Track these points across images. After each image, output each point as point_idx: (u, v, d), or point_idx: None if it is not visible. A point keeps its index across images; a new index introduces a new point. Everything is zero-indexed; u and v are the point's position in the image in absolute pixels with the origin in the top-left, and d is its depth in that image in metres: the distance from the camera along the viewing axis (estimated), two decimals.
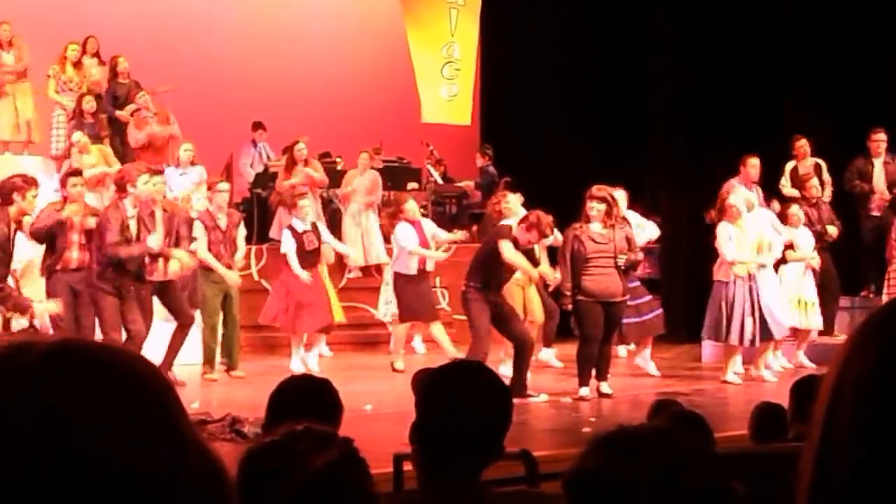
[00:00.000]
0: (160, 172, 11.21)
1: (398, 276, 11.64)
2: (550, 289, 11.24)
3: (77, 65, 14.36)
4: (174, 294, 10.63)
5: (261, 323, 11.84)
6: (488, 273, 9.96)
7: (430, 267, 11.86)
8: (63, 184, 10.47)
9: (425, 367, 2.89)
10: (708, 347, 12.38)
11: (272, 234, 13.72)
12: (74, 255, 10.06)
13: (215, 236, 11.23)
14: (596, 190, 10.11)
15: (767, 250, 11.08)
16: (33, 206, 9.78)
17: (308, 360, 11.67)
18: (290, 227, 11.75)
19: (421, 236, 11.67)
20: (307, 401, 3.46)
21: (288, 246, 11.64)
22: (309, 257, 11.67)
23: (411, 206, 11.90)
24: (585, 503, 1.76)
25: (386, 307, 12.82)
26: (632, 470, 1.74)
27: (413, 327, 12.66)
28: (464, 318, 10.59)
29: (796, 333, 11.95)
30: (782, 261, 11.65)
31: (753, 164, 12.39)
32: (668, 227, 13.27)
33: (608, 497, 1.74)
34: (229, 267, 11.26)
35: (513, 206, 11.15)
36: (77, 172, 10.87)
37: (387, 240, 13.31)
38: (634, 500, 1.72)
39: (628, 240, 10.15)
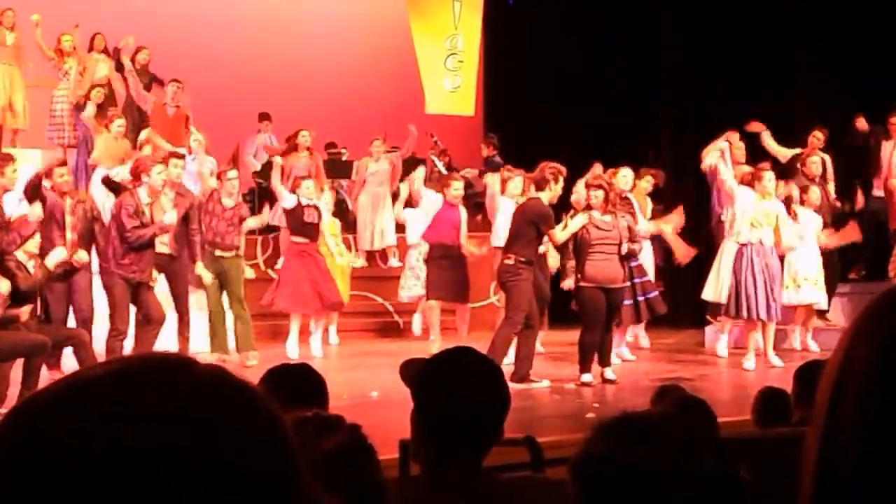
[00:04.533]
0: (181, 157, 11.26)
1: (433, 248, 11.61)
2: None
3: (72, 53, 14.39)
4: (180, 282, 10.70)
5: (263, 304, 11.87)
6: (534, 249, 9.94)
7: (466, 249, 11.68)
8: (48, 175, 10.18)
9: (412, 358, 2.84)
10: (710, 333, 12.39)
11: (273, 220, 13.76)
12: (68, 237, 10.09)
13: (216, 223, 11.26)
14: (592, 178, 10.27)
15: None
16: (14, 181, 9.81)
17: (312, 344, 11.74)
18: (296, 197, 11.77)
19: (455, 218, 11.58)
20: (292, 389, 3.43)
21: (287, 203, 11.69)
22: (306, 230, 11.64)
23: (455, 190, 11.74)
24: (592, 488, 1.76)
25: (413, 287, 12.80)
26: (639, 455, 1.73)
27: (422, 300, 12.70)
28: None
29: (801, 312, 11.94)
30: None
31: (739, 146, 12.36)
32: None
33: (615, 482, 1.74)
34: (229, 248, 11.25)
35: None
36: (63, 163, 10.84)
37: (399, 229, 13.38)
38: (641, 486, 1.73)
39: (629, 229, 10.22)
